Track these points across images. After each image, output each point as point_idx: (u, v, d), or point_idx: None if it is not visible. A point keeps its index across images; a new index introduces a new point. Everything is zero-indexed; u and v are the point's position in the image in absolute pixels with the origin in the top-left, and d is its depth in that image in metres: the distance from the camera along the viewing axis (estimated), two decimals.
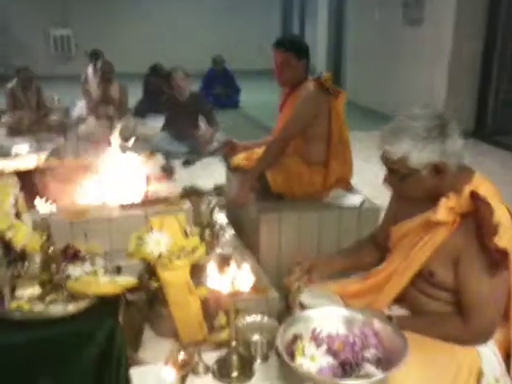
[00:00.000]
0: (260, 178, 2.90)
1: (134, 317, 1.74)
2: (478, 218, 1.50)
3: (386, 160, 1.60)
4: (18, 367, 1.55)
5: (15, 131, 6.08)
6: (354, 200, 2.93)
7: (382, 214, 2.94)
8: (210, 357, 1.57)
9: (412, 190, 1.62)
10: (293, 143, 2.93)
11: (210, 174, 4.84)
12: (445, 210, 1.55)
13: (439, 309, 1.65)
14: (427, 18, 6.80)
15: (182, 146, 5.74)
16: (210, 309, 1.82)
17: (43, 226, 1.72)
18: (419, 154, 1.52)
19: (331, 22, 9.65)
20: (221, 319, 1.87)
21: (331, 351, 1.35)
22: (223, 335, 1.78)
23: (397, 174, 1.59)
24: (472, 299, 1.55)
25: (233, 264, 1.44)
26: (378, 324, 1.41)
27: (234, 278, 1.41)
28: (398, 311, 1.72)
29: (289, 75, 2.94)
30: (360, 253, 1.95)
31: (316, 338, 1.38)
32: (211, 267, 1.45)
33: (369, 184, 3.23)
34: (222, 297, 1.42)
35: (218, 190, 3.76)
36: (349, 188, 3.08)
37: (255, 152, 3.28)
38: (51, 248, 1.69)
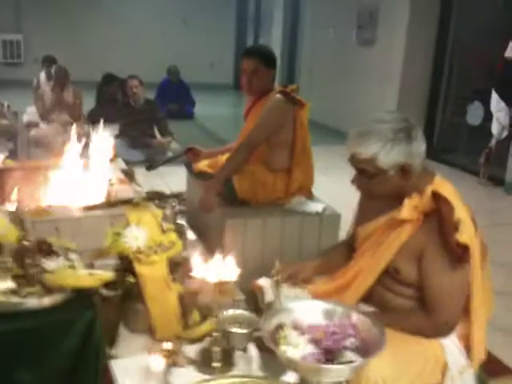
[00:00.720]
0: (226, 183, 2.94)
1: (109, 312, 1.73)
2: (439, 216, 1.61)
3: (355, 160, 1.69)
4: None
5: None
6: (315, 207, 3.01)
7: (343, 221, 3.07)
8: (188, 349, 1.58)
9: (379, 189, 1.71)
10: (257, 150, 2.99)
11: (169, 180, 4.84)
12: (409, 208, 1.64)
13: (404, 304, 1.74)
14: (379, 38, 7.11)
15: (137, 154, 5.71)
16: (184, 306, 1.84)
17: (17, 220, 1.69)
18: (387, 155, 1.61)
19: (285, 40, 9.88)
20: (194, 316, 1.89)
21: (313, 340, 1.40)
22: (198, 331, 1.80)
23: (365, 173, 1.68)
24: (434, 293, 1.65)
25: (218, 256, 1.47)
26: (355, 316, 1.47)
27: (219, 268, 1.44)
28: (365, 309, 1.79)
29: (257, 84, 2.99)
30: (334, 255, 2.03)
31: (298, 328, 1.42)
32: (196, 259, 1.47)
33: (326, 195, 3.33)
34: (208, 286, 1.44)
35: (178, 196, 3.79)
36: (310, 196, 3.16)
37: (219, 159, 3.32)
38: (26, 242, 1.66)
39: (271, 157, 3.02)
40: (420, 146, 1.65)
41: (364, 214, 1.90)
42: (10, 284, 1.63)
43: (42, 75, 7.01)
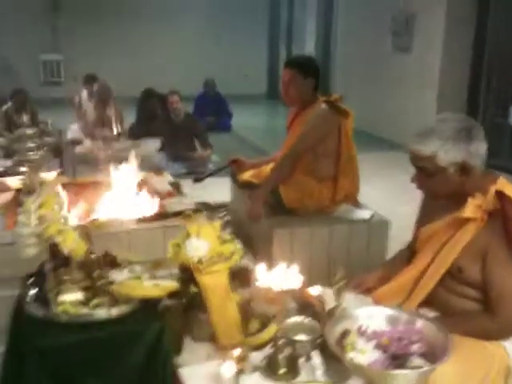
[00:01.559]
0: (273, 193, 2.97)
1: (174, 322, 1.77)
2: (504, 216, 1.61)
3: (416, 158, 1.73)
4: (68, 367, 1.58)
5: (9, 153, 6.08)
6: (363, 214, 3.01)
7: (391, 228, 3.06)
8: (252, 356, 1.61)
9: (439, 187, 1.74)
10: (303, 160, 3.02)
11: (212, 191, 4.91)
12: (472, 207, 1.66)
13: (468, 307, 1.73)
14: (416, 45, 7.07)
15: (179, 167, 5.81)
16: (244, 314, 1.87)
17: (84, 234, 1.76)
18: (446, 153, 1.65)
19: (318, 49, 9.91)
20: (254, 324, 1.93)
21: (379, 346, 1.41)
22: (259, 339, 1.83)
23: (425, 172, 1.71)
24: (498, 293, 1.64)
25: (282, 265, 1.50)
26: (420, 321, 1.48)
27: (284, 277, 1.47)
28: (427, 314, 1.79)
29: (294, 93, 3.02)
30: (398, 262, 2.04)
31: (363, 334, 1.44)
32: (260, 268, 1.50)
33: (368, 204, 3.33)
34: (273, 294, 1.47)
35: (224, 207, 3.84)
36: (356, 204, 3.17)
37: (263, 169, 3.36)
38: (93, 255, 1.73)
39: (317, 166, 3.05)
40: (481, 146, 1.69)
41: (426, 215, 1.92)
42: (78, 295, 1.71)
43: (84, 93, 7.22)
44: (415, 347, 1.40)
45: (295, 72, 2.98)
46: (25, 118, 6.52)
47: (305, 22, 10.55)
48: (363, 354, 1.38)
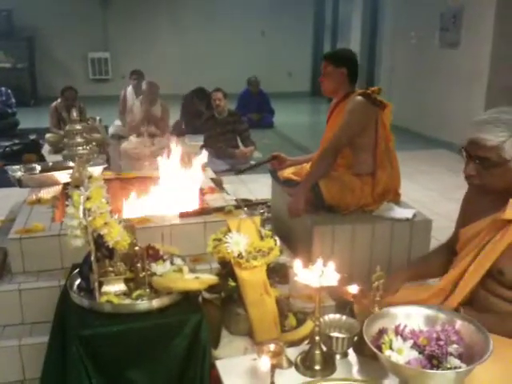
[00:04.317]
0: (313, 189, 2.97)
1: (212, 315, 1.81)
2: None
3: (477, 147, 1.63)
4: (110, 356, 1.63)
5: (59, 148, 6.29)
6: (405, 213, 2.97)
7: (434, 227, 3.01)
8: (289, 352, 1.63)
9: (496, 180, 1.65)
10: (342, 156, 3.00)
11: (253, 188, 4.95)
12: None
13: (508, 309, 1.69)
14: (464, 40, 6.90)
15: (221, 164, 5.87)
16: (281, 310, 1.89)
17: (129, 227, 1.81)
18: None
19: (364, 45, 9.79)
20: (291, 320, 1.95)
21: (417, 346, 1.40)
22: (296, 334, 1.85)
23: (485, 162, 1.63)
24: None
25: (319, 261, 1.51)
26: (459, 321, 1.46)
27: (321, 273, 1.48)
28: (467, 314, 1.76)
29: (327, 83, 3.06)
30: (431, 260, 2.00)
31: (400, 333, 1.43)
32: (298, 264, 1.52)
33: (411, 202, 3.28)
34: (311, 291, 1.48)
35: (265, 204, 3.87)
36: (398, 201, 3.13)
37: (304, 167, 3.37)
38: (136, 247, 1.78)
39: (356, 161, 3.03)
40: None
41: (468, 214, 1.86)
42: (122, 287, 1.76)
43: (129, 89, 7.38)
44: (453, 348, 1.38)
45: (327, 62, 3.03)
46: (74, 115, 6.73)
47: (350, 18, 10.44)
48: (400, 353, 1.36)
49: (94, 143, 2.30)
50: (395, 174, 3.09)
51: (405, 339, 1.41)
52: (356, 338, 1.61)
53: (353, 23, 10.22)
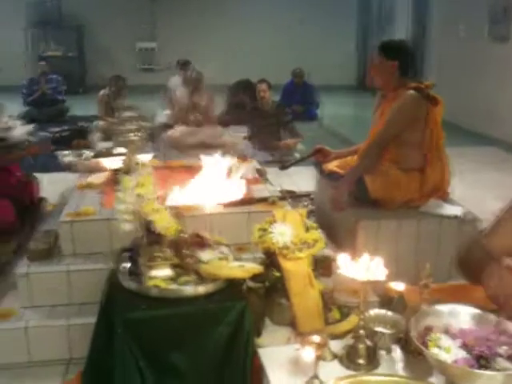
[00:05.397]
0: (358, 183, 2.94)
1: (255, 304, 1.82)
2: None
3: None
4: (155, 339, 1.67)
5: (107, 135, 6.43)
6: (454, 210, 2.91)
7: (483, 226, 2.92)
8: (332, 345, 1.62)
9: None
10: (389, 150, 2.96)
11: (296, 180, 4.94)
12: None
13: None
14: None
15: (265, 155, 5.87)
16: (325, 302, 1.89)
17: (176, 214, 1.84)
18: None
19: (411, 37, 9.58)
20: (334, 313, 1.94)
21: (464, 345, 1.38)
22: (340, 327, 1.84)
23: None
24: None
25: (366, 255, 1.50)
26: (509, 323, 1.42)
27: (368, 268, 1.46)
28: None
29: (377, 74, 3.00)
30: None
31: (448, 332, 1.41)
32: (344, 257, 1.51)
33: (460, 200, 3.20)
34: (356, 285, 1.47)
35: (308, 196, 3.86)
36: (447, 199, 3.06)
37: (349, 160, 3.33)
38: (183, 234, 1.81)
39: (403, 156, 2.97)
40: None
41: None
42: (169, 272, 1.80)
43: (175, 78, 7.45)
44: (503, 349, 1.35)
45: (378, 53, 2.97)
46: (124, 103, 6.86)
47: (397, 10, 10.23)
48: (447, 352, 1.34)
49: (143, 131, 2.34)
50: (445, 171, 3.02)
51: (453, 338, 1.39)
52: (401, 334, 1.60)
53: (400, 15, 10.02)
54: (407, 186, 2.94)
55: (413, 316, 1.45)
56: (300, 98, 8.49)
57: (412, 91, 2.84)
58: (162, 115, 7.28)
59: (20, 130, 6.41)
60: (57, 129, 6.79)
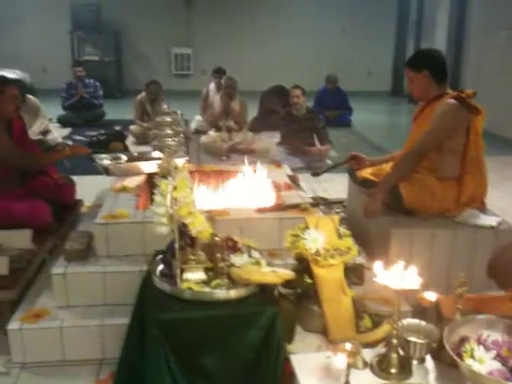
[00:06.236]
0: (392, 191, 2.91)
1: (286, 309, 1.83)
2: None
3: None
4: (188, 341, 1.69)
5: (142, 140, 6.54)
6: (489, 220, 2.85)
7: None
8: (364, 353, 1.61)
9: None
10: (426, 158, 2.92)
11: (328, 187, 4.92)
12: None
13: None
14: None
15: (297, 161, 5.87)
16: (356, 310, 1.88)
17: (210, 217, 1.86)
18: None
19: (449, 44, 9.45)
20: (366, 322, 1.93)
21: (499, 357, 1.35)
22: (372, 336, 1.83)
23: None
24: None
25: (400, 263, 1.49)
26: None
27: (401, 277, 1.45)
28: None
29: (414, 88, 2.98)
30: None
31: (482, 343, 1.39)
32: (378, 266, 1.50)
33: (497, 211, 3.13)
34: (389, 293, 1.46)
35: (340, 203, 3.84)
36: (483, 209, 3.00)
37: (383, 167, 3.30)
38: (217, 238, 1.82)
39: (441, 165, 2.93)
40: None
41: None
42: (202, 275, 1.82)
43: (211, 85, 7.53)
44: None
45: (409, 68, 2.96)
46: (164, 107, 6.95)
47: (436, 16, 10.10)
48: (482, 363, 1.32)
49: (181, 135, 2.38)
50: (483, 182, 2.96)
51: (487, 349, 1.37)
52: (435, 345, 1.58)
53: (438, 20, 9.89)
54: (443, 195, 2.90)
55: (447, 326, 1.43)
56: (333, 104, 8.46)
57: (453, 100, 2.80)
58: (198, 121, 7.38)
59: (57, 133, 6.60)
60: (93, 132, 6.92)
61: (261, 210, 2.84)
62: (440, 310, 1.72)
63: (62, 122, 7.96)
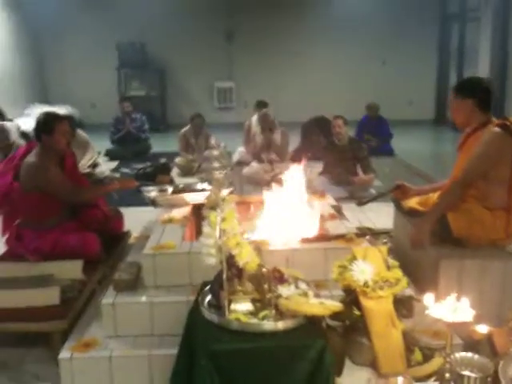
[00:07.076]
0: (440, 221, 2.86)
1: (335, 342, 1.81)
2: None
3: None
4: (236, 372, 1.69)
5: (186, 172, 6.67)
6: None
7: None
8: None
9: None
10: (473, 187, 2.87)
11: (373, 216, 4.86)
12: None
13: None
14: None
15: (340, 190, 5.84)
16: (407, 343, 1.84)
17: (257, 248, 1.88)
18: None
19: (493, 72, 9.32)
20: (417, 355, 1.88)
21: None
22: (424, 370, 1.78)
23: None
24: None
25: (453, 295, 1.46)
26: None
27: (455, 308, 1.42)
28: None
29: (457, 115, 2.97)
30: None
31: None
32: (429, 298, 1.48)
33: None
34: (439, 326, 1.43)
35: (386, 233, 3.78)
36: None
37: (430, 197, 3.25)
38: (263, 269, 1.83)
39: (489, 193, 2.87)
40: None
41: None
42: (249, 306, 1.82)
43: (254, 118, 7.64)
44: None
45: (453, 93, 2.95)
46: (203, 141, 7.11)
47: (478, 44, 9.99)
48: None
49: (229, 168, 2.42)
50: None
51: None
52: (489, 379, 1.53)
53: (480, 49, 9.77)
54: (492, 224, 2.83)
55: (502, 359, 1.39)
56: (374, 132, 8.42)
57: (497, 128, 2.77)
58: (241, 153, 7.48)
59: (105, 166, 6.80)
60: (140, 165, 7.09)
61: (306, 241, 2.84)
62: (493, 343, 1.67)
63: (110, 155, 8.20)
